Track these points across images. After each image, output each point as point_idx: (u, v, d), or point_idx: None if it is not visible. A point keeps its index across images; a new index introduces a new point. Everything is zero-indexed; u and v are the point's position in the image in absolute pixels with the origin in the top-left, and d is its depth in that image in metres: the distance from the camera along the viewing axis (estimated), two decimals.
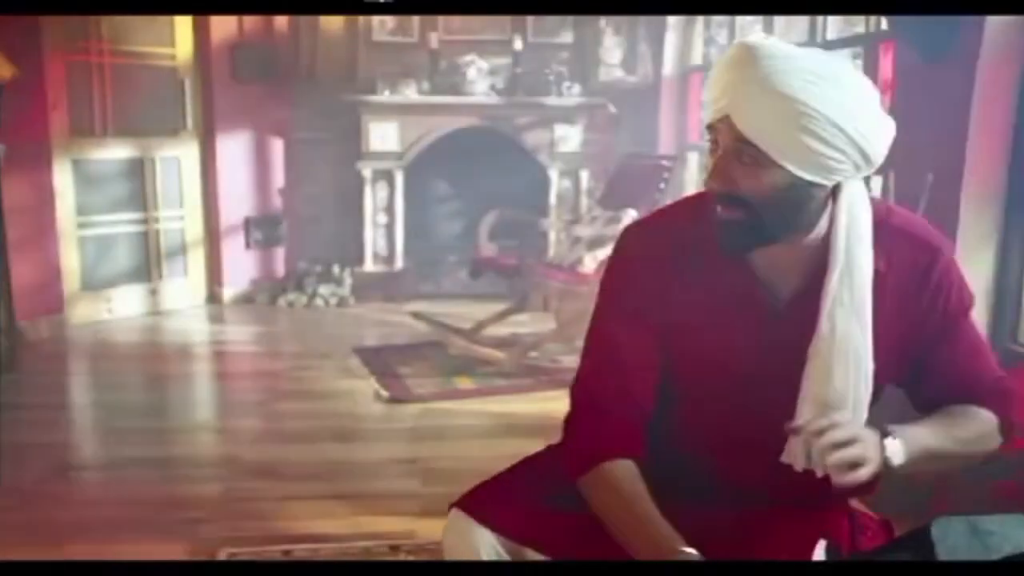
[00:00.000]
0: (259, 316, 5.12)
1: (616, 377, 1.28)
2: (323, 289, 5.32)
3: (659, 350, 1.29)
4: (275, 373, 4.00)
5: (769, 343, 1.24)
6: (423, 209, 5.65)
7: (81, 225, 4.72)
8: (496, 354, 3.98)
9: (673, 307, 1.27)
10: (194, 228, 5.26)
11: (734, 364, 1.26)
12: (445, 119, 5.37)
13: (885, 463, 1.13)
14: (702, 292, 1.26)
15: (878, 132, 1.17)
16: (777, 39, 1.19)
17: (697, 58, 5.36)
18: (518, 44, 5.34)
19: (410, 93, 5.27)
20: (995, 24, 2.56)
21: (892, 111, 3.04)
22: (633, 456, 1.24)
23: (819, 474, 1.10)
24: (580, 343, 1.38)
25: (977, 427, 1.27)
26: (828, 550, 1.25)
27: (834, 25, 3.81)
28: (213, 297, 5.35)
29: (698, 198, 1.29)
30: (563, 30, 5.58)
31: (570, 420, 1.32)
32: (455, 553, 1.28)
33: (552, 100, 5.39)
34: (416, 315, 4.54)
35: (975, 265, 2.71)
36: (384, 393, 3.63)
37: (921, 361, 1.28)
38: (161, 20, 4.90)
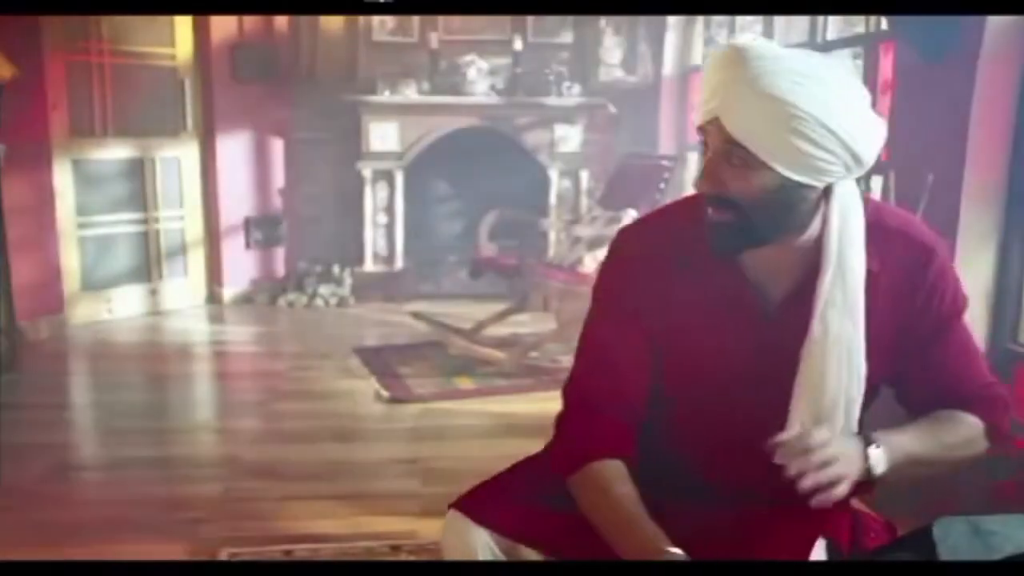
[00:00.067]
0: (259, 316, 5.12)
1: (608, 378, 1.29)
2: (323, 289, 5.32)
3: (652, 351, 1.30)
4: (275, 373, 4.00)
5: (762, 344, 1.24)
6: (423, 209, 5.65)
7: (81, 225, 4.72)
8: (496, 354, 3.98)
9: (666, 309, 1.28)
10: (194, 228, 5.26)
11: (727, 365, 1.27)
12: (445, 119, 5.37)
13: (867, 472, 1.15)
14: (695, 294, 1.26)
15: (868, 133, 1.16)
16: (766, 40, 1.19)
17: (697, 58, 5.36)
18: (518, 44, 5.34)
19: (410, 93, 5.27)
20: (995, 24, 2.56)
21: (892, 111, 3.06)
22: (623, 457, 1.25)
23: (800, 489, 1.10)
24: None
25: (963, 432, 1.27)
26: (829, 550, 1.25)
27: (834, 25, 3.81)
28: (213, 297, 5.35)
29: (692, 200, 1.29)
30: (563, 30, 5.58)
31: (561, 419, 1.33)
32: (453, 553, 1.29)
33: (552, 100, 5.40)
34: (416, 315, 4.54)
35: (975, 265, 2.71)
36: (384, 393, 3.63)
37: (912, 361, 1.27)
38: (161, 20, 4.90)
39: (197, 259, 5.29)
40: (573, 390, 1.33)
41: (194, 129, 5.14)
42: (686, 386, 1.31)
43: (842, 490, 1.10)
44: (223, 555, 2.27)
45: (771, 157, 1.13)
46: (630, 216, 3.89)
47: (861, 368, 1.21)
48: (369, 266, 5.48)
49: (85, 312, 4.76)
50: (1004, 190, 2.68)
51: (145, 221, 5.02)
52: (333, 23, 5.20)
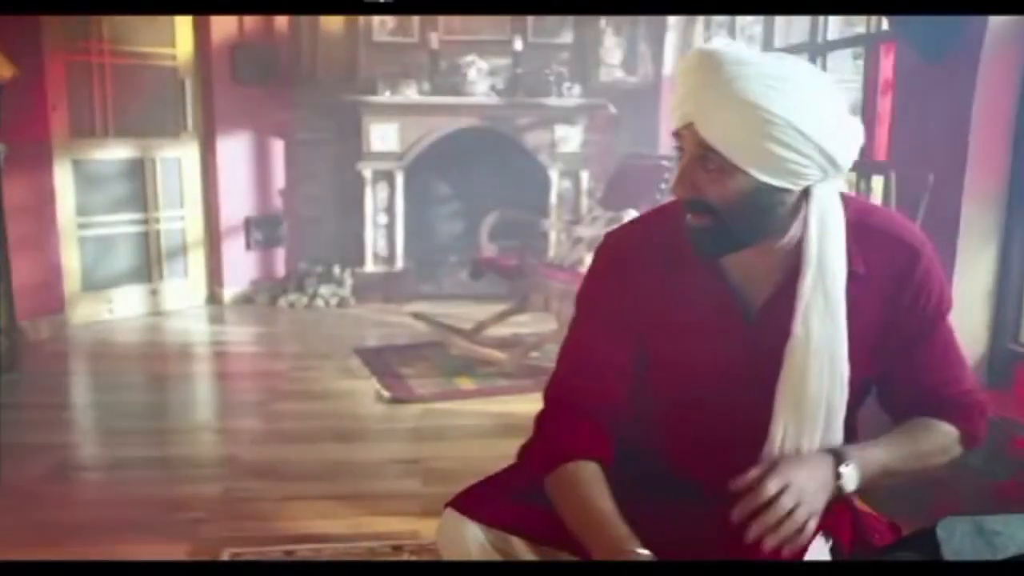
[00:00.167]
0: (259, 317, 5.12)
1: (589, 381, 1.32)
2: (324, 290, 5.32)
3: (636, 355, 1.32)
4: (276, 373, 4.00)
5: (745, 348, 1.25)
6: (423, 210, 5.65)
7: (82, 225, 4.72)
8: (497, 354, 3.98)
9: (650, 313, 1.29)
10: (195, 229, 5.26)
11: (711, 369, 1.27)
12: (445, 119, 5.37)
13: (838, 490, 1.16)
14: (678, 298, 1.27)
15: (843, 136, 1.15)
16: (737, 44, 1.19)
17: None
18: (518, 44, 5.35)
19: (410, 93, 5.27)
20: (996, 24, 2.56)
21: (893, 112, 3.06)
22: (599, 459, 1.26)
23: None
24: None
25: (938, 440, 1.27)
26: (832, 550, 1.25)
27: (835, 25, 3.81)
28: (213, 298, 5.35)
29: (675, 204, 1.30)
30: (563, 30, 5.58)
31: (541, 418, 1.35)
32: (446, 547, 1.30)
33: (552, 100, 5.40)
34: (417, 315, 4.54)
35: (976, 265, 2.71)
36: (385, 393, 3.63)
37: (896, 363, 1.27)
38: (162, 20, 4.90)
39: (197, 259, 5.29)
40: (554, 391, 1.36)
41: (194, 129, 5.14)
42: (671, 389, 1.33)
43: (810, 528, 1.11)
44: (224, 555, 2.27)
45: (745, 161, 1.13)
46: (631, 216, 3.89)
47: (843, 371, 1.20)
48: (369, 266, 5.48)
49: (85, 312, 4.76)
50: (1005, 190, 2.68)
51: (146, 221, 5.02)
52: (333, 23, 5.20)
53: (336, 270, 5.41)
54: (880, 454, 1.21)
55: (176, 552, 2.29)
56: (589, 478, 1.24)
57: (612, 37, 5.48)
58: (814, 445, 1.20)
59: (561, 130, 5.46)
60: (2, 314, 3.78)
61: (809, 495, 1.12)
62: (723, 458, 1.25)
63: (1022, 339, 2.75)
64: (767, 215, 1.17)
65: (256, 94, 5.22)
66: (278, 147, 5.45)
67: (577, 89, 5.44)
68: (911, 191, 2.76)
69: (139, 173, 4.95)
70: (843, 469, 1.16)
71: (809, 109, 1.11)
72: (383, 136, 5.33)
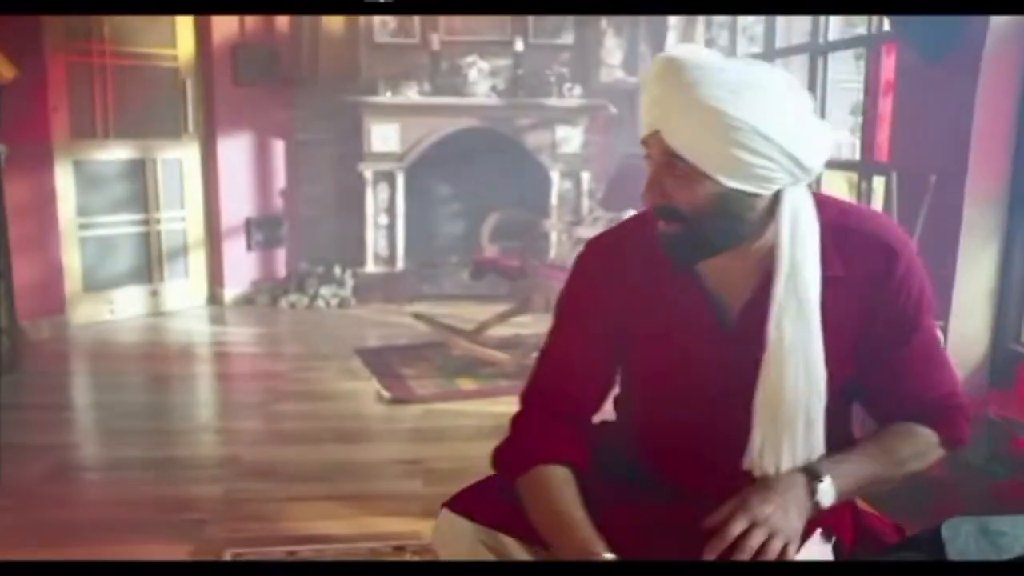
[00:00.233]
0: (260, 317, 5.12)
1: (566, 386, 1.33)
2: (324, 290, 5.32)
3: (613, 362, 1.34)
4: (277, 374, 4.00)
5: (722, 353, 1.24)
6: (424, 210, 5.65)
7: (83, 226, 4.72)
8: (498, 355, 3.98)
9: (629, 320, 1.29)
10: (195, 229, 5.26)
11: (689, 375, 1.27)
12: (446, 120, 5.38)
13: (815, 507, 1.15)
14: (656, 305, 1.27)
15: (810, 139, 1.14)
16: (703, 49, 1.18)
17: None
18: (519, 45, 5.35)
19: (411, 94, 5.28)
20: (998, 24, 2.56)
21: (895, 113, 3.06)
22: (570, 463, 1.27)
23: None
24: None
25: (917, 446, 1.25)
26: (835, 550, 1.25)
27: (835, 26, 3.81)
28: (214, 298, 5.35)
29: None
30: (564, 31, 5.58)
31: (516, 420, 1.36)
32: (441, 548, 1.31)
33: (553, 101, 5.40)
34: (418, 316, 4.53)
35: (978, 265, 2.71)
36: (386, 394, 3.63)
37: (879, 365, 1.25)
38: (163, 21, 4.90)
39: (198, 260, 5.29)
40: (530, 394, 1.37)
41: (195, 130, 5.14)
42: (652, 394, 1.34)
43: (790, 553, 1.10)
44: (227, 556, 2.27)
45: (711, 167, 1.13)
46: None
47: (820, 376, 1.18)
48: (370, 267, 5.48)
49: (86, 313, 4.76)
50: (1007, 190, 2.68)
51: (146, 222, 5.02)
52: (334, 24, 5.20)
53: (337, 271, 5.41)
54: (856, 465, 1.20)
55: (178, 553, 2.29)
56: (559, 483, 1.24)
57: (613, 38, 5.49)
58: (795, 451, 1.19)
59: (562, 131, 5.47)
60: (3, 314, 3.78)
61: (781, 523, 1.11)
62: (706, 464, 1.26)
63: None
64: (737, 220, 1.17)
65: (257, 95, 5.22)
66: (279, 148, 5.45)
67: (578, 90, 5.45)
68: (913, 192, 2.76)
69: (140, 174, 4.95)
70: (818, 486, 1.15)
71: (773, 113, 1.11)
72: (384, 137, 5.33)
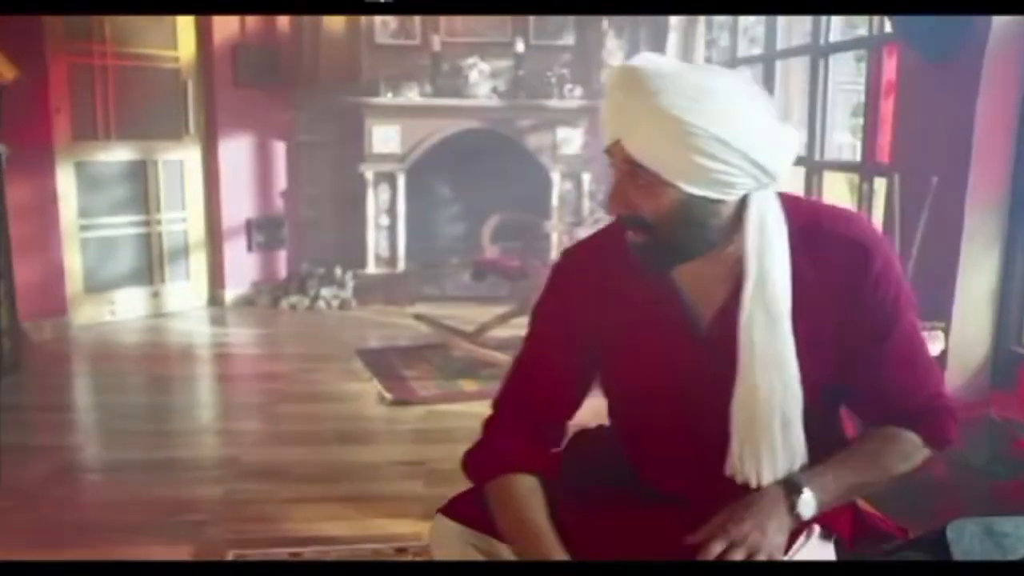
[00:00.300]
0: (261, 319, 5.12)
1: (537, 393, 1.34)
2: (325, 291, 5.32)
3: (589, 370, 1.34)
4: (278, 375, 4.00)
5: (698, 359, 1.24)
6: (425, 211, 5.66)
7: (84, 227, 4.72)
8: (499, 356, 3.97)
9: (603, 329, 1.30)
10: (196, 230, 5.26)
11: (666, 381, 1.27)
12: (447, 121, 5.38)
13: (796, 518, 1.15)
14: (630, 312, 1.27)
15: (771, 144, 1.14)
16: (661, 57, 1.18)
17: (699, 60, 5.35)
18: (520, 46, 5.35)
19: (412, 95, 5.28)
20: (1000, 25, 2.56)
21: (896, 114, 3.06)
22: (538, 471, 1.28)
23: None
24: None
25: (901, 449, 1.24)
26: (837, 550, 1.25)
27: (837, 27, 3.81)
28: (215, 299, 5.35)
29: None
30: (565, 32, 5.59)
31: (488, 424, 1.37)
32: (435, 550, 1.33)
33: (554, 102, 5.41)
34: (419, 317, 4.53)
35: (980, 267, 2.71)
36: (387, 395, 3.63)
37: (860, 366, 1.23)
38: (164, 22, 4.91)
39: (199, 261, 5.29)
40: (503, 400, 1.38)
41: (196, 131, 5.14)
42: (630, 402, 1.35)
43: (777, 556, 1.11)
44: (229, 557, 2.27)
45: (672, 175, 1.13)
46: None
47: (793, 378, 1.18)
48: (371, 268, 5.48)
49: (88, 314, 4.76)
50: (1008, 192, 2.68)
51: (147, 223, 5.02)
52: (335, 25, 5.21)
53: (338, 272, 5.41)
54: (836, 475, 1.19)
55: (179, 554, 2.29)
56: (524, 491, 1.26)
57: (614, 39, 5.49)
58: (775, 455, 1.18)
59: (563, 132, 5.47)
60: (4, 315, 3.78)
61: (759, 542, 1.11)
62: (689, 470, 1.26)
63: None
64: (703, 227, 1.16)
65: (258, 96, 5.23)
66: (280, 149, 5.45)
67: (579, 91, 5.45)
68: (915, 194, 2.76)
69: (141, 175, 4.95)
70: (797, 499, 1.15)
71: (732, 119, 1.11)
72: (385, 138, 5.33)
